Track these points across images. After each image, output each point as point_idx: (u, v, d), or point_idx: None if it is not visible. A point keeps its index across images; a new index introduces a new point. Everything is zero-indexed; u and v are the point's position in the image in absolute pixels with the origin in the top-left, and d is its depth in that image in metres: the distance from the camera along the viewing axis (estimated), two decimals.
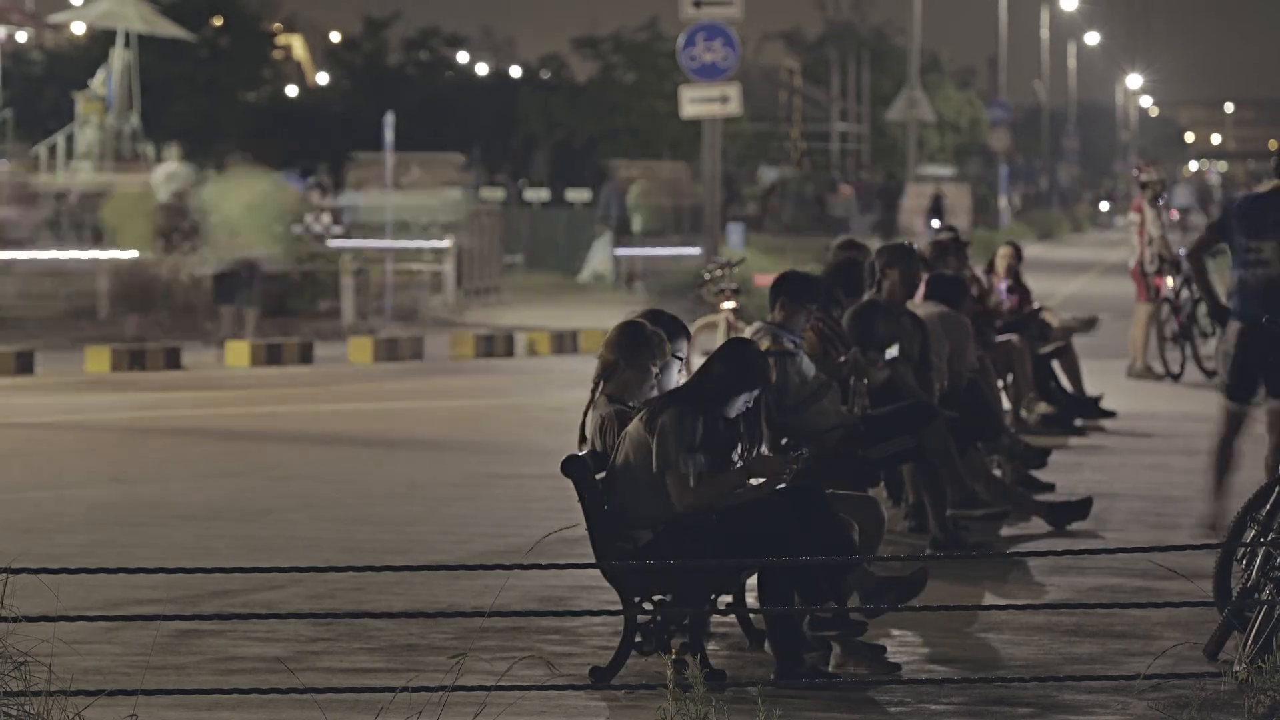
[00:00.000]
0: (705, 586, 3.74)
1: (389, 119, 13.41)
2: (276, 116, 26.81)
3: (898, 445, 4.91)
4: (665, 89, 22.64)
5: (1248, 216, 5.01)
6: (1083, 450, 7.03)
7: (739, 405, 3.71)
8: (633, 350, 3.83)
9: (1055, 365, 7.60)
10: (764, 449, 3.87)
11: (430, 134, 25.78)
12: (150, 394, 9.02)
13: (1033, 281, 9.78)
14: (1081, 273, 19.16)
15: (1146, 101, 58.29)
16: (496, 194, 21.56)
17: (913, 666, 3.86)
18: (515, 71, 30.80)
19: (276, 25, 29.55)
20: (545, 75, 27.96)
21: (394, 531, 5.43)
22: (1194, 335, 9.57)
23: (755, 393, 3.72)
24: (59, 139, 15.52)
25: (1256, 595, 3.64)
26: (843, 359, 5.11)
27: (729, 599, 3.96)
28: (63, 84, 19.64)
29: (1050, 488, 6.09)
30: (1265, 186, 5.08)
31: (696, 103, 11.62)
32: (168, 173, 12.77)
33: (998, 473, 5.94)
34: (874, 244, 6.78)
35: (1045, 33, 38.54)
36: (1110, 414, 7.70)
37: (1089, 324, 8.28)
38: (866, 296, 5.54)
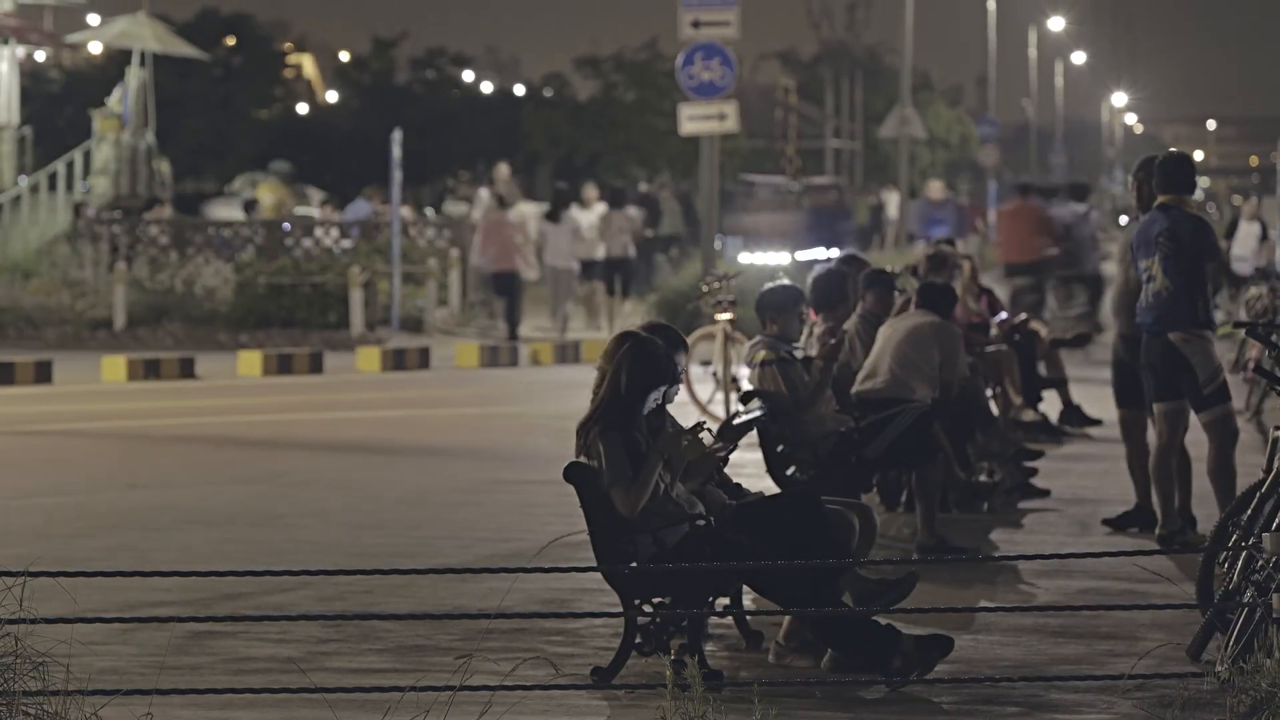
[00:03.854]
0: (703, 589, 3.83)
1: (396, 136, 13.59)
2: (287, 133, 27.07)
3: (894, 431, 5.01)
4: (665, 107, 22.82)
5: (1139, 237, 5.19)
6: (1070, 457, 7.11)
7: (650, 404, 3.82)
8: None
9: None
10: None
11: (436, 151, 26.02)
12: (165, 402, 9.13)
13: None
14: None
15: (1131, 119, 59.28)
16: None
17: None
18: (519, 90, 31.13)
19: (287, 45, 29.89)
20: (548, 93, 28.15)
21: (401, 536, 5.52)
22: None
23: (664, 389, 3.82)
24: (76, 155, 15.74)
25: (1238, 598, 3.72)
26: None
27: (726, 601, 4.05)
28: (80, 102, 19.93)
29: (1046, 493, 6.18)
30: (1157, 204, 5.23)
31: (695, 120, 11.73)
32: None
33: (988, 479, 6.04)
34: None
35: (1033, 52, 39.13)
36: (1096, 421, 7.75)
37: (1081, 339, 8.28)
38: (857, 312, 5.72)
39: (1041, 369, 7.72)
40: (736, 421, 3.96)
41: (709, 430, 3.92)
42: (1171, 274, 5.06)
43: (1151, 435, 5.44)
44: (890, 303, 5.97)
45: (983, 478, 6.01)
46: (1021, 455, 6.36)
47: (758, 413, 4.13)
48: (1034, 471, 6.36)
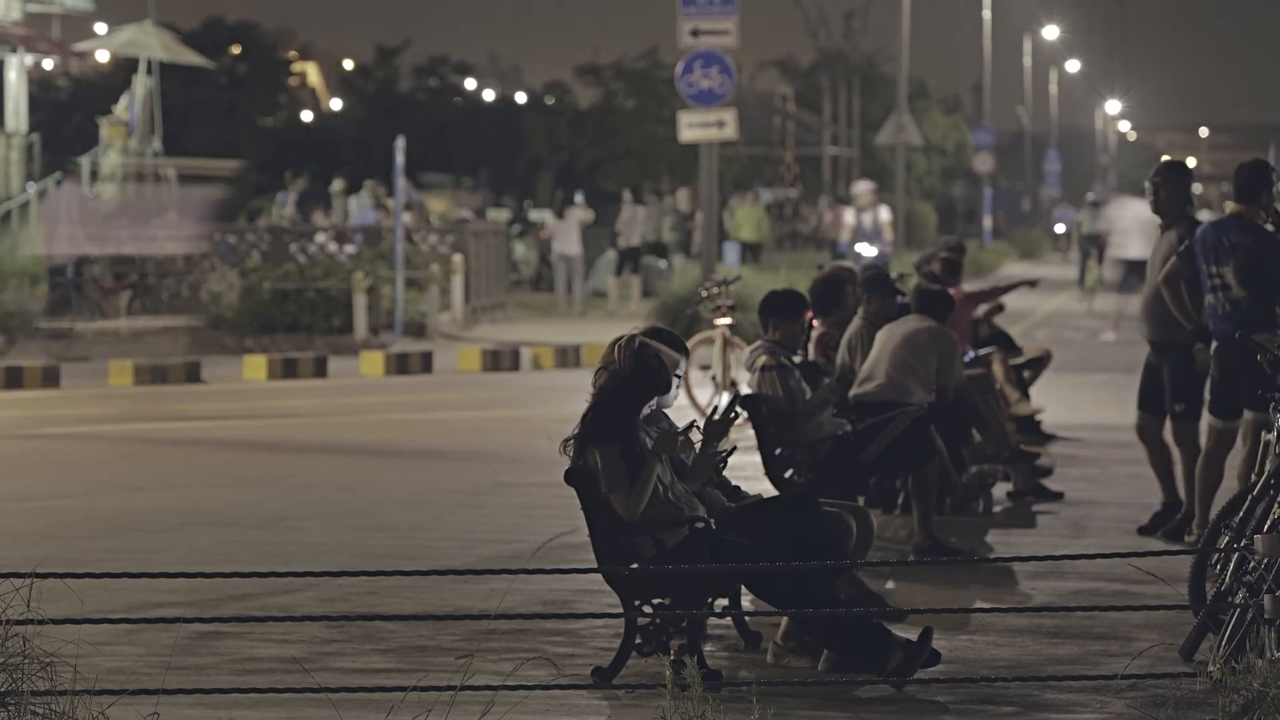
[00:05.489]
0: (703, 590, 3.88)
1: (400, 143, 13.70)
2: (292, 140, 27.23)
3: (891, 434, 5.06)
4: (664, 114, 22.70)
5: (1208, 243, 5.22)
6: (1063, 460, 7.11)
7: (645, 410, 3.87)
8: None
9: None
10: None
11: (439, 157, 26.20)
12: (171, 406, 9.20)
13: (1016, 299, 9.91)
14: (1062, 290, 19.30)
15: (1125, 126, 59.76)
16: (502, 214, 21.91)
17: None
18: (521, 98, 31.22)
19: (292, 53, 30.28)
20: (549, 101, 28.24)
21: (404, 537, 5.56)
22: None
23: (658, 398, 3.88)
24: (84, 162, 15.87)
25: (1230, 599, 3.75)
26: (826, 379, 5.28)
27: (725, 602, 4.09)
28: (87, 109, 20.07)
29: (1059, 496, 6.17)
30: (1227, 211, 5.28)
31: (694, 127, 11.82)
32: None
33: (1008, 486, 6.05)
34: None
35: (1028, 61, 39.59)
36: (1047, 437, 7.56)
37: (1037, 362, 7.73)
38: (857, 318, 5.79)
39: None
40: (716, 417, 4.02)
41: (698, 428, 3.97)
42: (1248, 284, 5.08)
43: (1167, 435, 5.43)
44: (893, 306, 6.02)
45: (973, 470, 5.98)
46: (1018, 457, 6.40)
47: (739, 410, 4.21)
48: (1048, 473, 6.36)
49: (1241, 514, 3.94)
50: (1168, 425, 5.45)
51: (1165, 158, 5.57)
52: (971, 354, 6.88)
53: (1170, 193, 5.37)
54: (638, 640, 3.82)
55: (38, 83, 23.59)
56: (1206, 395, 5.31)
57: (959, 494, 5.83)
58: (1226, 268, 5.15)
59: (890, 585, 4.71)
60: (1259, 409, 5.03)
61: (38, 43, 18.08)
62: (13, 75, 16.78)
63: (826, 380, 5.14)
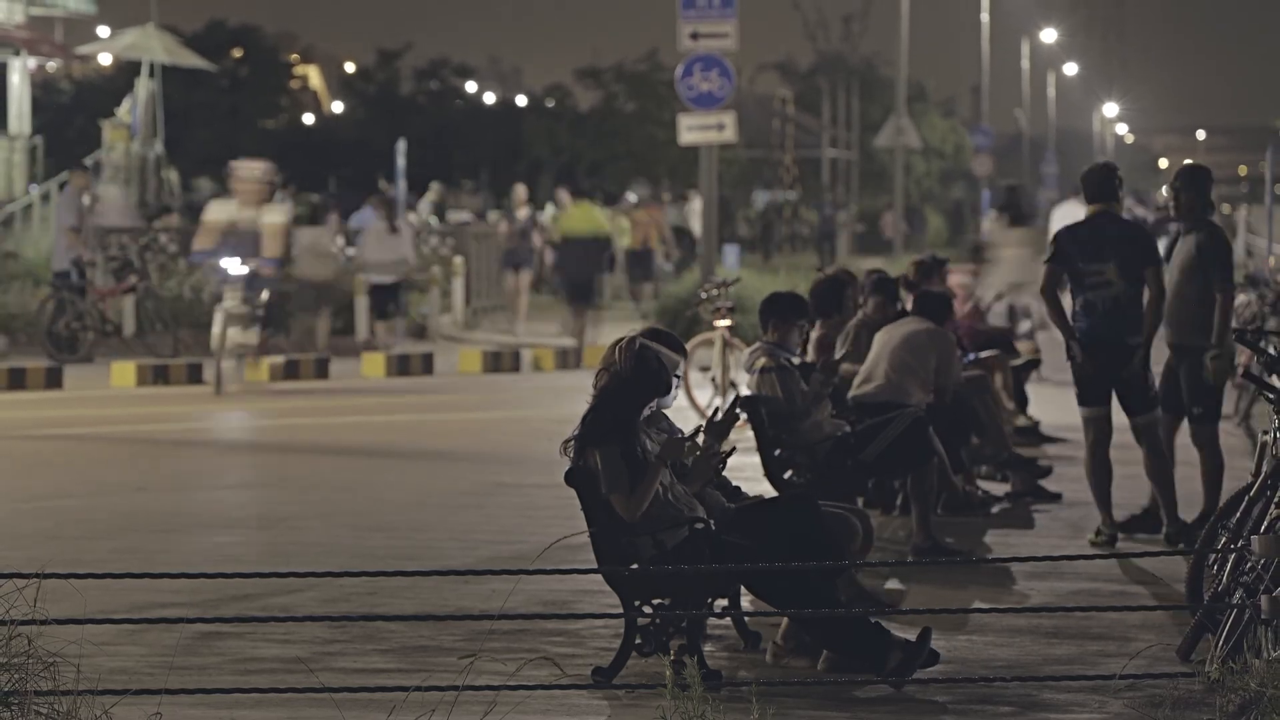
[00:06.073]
0: (702, 591, 3.90)
1: (401, 145, 13.73)
2: (294, 143, 27.31)
3: (890, 435, 5.08)
4: (664, 117, 22.96)
5: (1082, 242, 5.22)
6: (1061, 460, 7.14)
7: (646, 411, 3.89)
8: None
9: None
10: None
11: (440, 160, 26.30)
12: (173, 407, 9.22)
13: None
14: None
15: (1122, 129, 60.06)
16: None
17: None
18: (521, 100, 31.45)
19: (294, 56, 30.46)
20: (550, 104, 28.46)
21: (405, 538, 5.58)
22: None
23: (658, 399, 3.90)
24: (87, 165, 15.92)
25: (1227, 599, 3.78)
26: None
27: (725, 602, 4.11)
28: (90, 112, 20.15)
29: (1058, 497, 6.20)
30: (1088, 212, 5.29)
31: (694, 130, 11.82)
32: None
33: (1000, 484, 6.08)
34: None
35: (1026, 63, 39.72)
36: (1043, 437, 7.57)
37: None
38: (857, 317, 5.82)
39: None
40: (718, 419, 4.03)
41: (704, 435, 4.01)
42: (1132, 274, 5.14)
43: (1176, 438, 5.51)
44: (889, 311, 6.05)
45: (980, 492, 6.05)
46: (1015, 461, 6.41)
47: (739, 411, 4.24)
48: (1046, 472, 6.38)
49: (1238, 515, 3.97)
50: (1182, 427, 5.48)
51: (1187, 161, 5.60)
52: (971, 356, 6.91)
53: (1190, 197, 5.35)
54: (638, 640, 3.84)
55: (40, 85, 23.70)
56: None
57: (959, 498, 5.86)
58: (1109, 264, 5.14)
59: (890, 585, 4.73)
60: (1147, 411, 5.12)
61: (40, 45, 18.13)
62: (16, 78, 16.84)
63: (815, 374, 5.14)
